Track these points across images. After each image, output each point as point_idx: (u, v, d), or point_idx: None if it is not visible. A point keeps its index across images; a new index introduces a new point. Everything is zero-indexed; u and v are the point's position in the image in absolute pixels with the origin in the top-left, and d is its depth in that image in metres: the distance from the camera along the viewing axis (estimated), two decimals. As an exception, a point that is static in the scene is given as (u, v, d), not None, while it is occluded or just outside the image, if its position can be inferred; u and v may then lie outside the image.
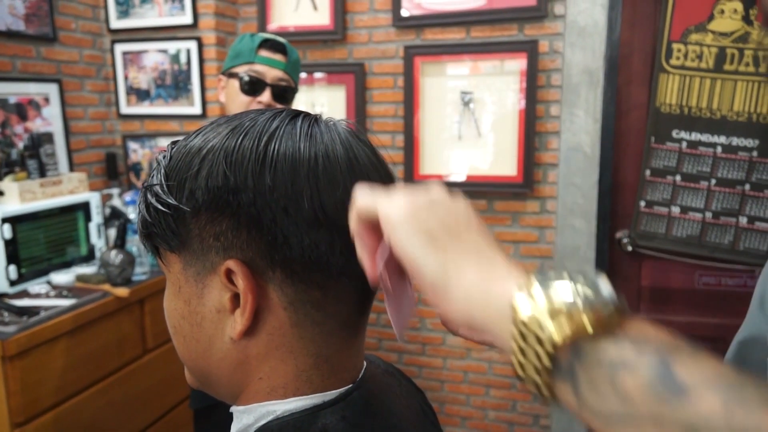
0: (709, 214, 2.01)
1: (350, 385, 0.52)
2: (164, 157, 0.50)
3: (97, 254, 2.00)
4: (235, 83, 1.45)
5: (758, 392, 0.28)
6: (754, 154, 1.94)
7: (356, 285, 0.50)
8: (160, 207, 0.47)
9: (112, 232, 2.06)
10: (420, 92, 2.16)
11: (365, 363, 0.57)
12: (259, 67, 1.44)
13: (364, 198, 0.43)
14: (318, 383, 0.50)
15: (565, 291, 0.33)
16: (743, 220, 1.99)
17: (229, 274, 0.46)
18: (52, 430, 1.57)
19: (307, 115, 0.51)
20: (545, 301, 0.33)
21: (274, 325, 0.48)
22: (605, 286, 0.34)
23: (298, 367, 0.49)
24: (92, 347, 1.70)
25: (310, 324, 0.49)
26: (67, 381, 1.62)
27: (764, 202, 1.96)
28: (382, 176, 0.50)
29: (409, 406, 0.63)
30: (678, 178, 2.02)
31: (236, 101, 1.45)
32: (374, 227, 0.42)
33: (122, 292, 1.74)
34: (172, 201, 0.47)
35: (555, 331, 0.32)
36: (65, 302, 1.64)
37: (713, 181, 2.00)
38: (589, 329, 0.32)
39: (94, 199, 2.01)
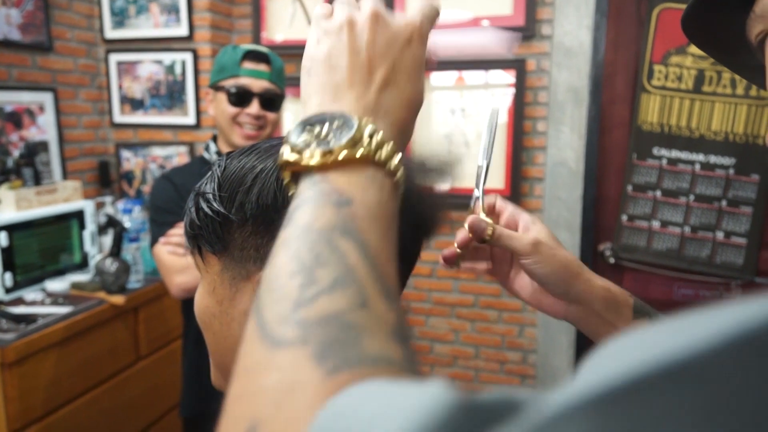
0: (687, 229, 2.10)
1: None
2: (218, 166, 0.54)
3: (91, 262, 2.02)
4: (222, 96, 1.47)
5: (295, 249, 0.33)
6: (731, 171, 2.03)
7: None
8: (210, 213, 0.52)
9: (106, 240, 2.07)
10: (411, 106, 2.22)
11: None
12: (244, 80, 1.46)
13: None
14: None
15: (321, 130, 0.39)
16: (720, 235, 2.07)
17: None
18: (48, 437, 1.59)
19: None
20: (294, 138, 0.39)
21: None
22: (346, 135, 0.38)
23: None
24: (87, 354, 1.71)
25: None
26: (63, 388, 1.63)
27: (740, 218, 2.05)
28: (428, 207, 0.55)
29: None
30: (658, 193, 2.11)
31: (225, 113, 1.47)
32: None
33: (118, 299, 1.76)
34: (222, 210, 0.51)
35: (287, 159, 0.39)
36: (62, 310, 1.66)
37: (692, 197, 2.08)
38: (305, 164, 0.38)
39: (88, 207, 2.03)
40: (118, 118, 2.41)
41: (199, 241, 0.54)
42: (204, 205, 0.53)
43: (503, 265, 0.68)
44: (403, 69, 0.43)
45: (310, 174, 0.38)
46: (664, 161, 2.09)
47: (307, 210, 0.35)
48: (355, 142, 0.37)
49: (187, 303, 1.49)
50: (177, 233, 1.40)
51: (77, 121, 2.31)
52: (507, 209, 0.66)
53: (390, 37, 0.43)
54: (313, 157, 0.37)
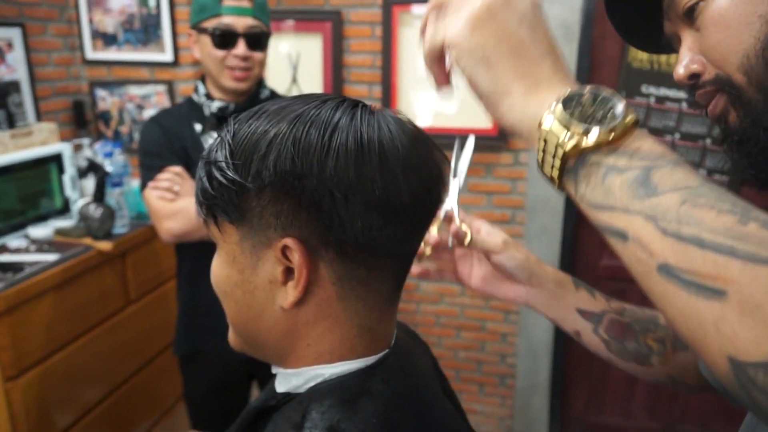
0: (672, 167, 2.12)
1: (387, 351, 0.58)
2: (227, 132, 0.52)
3: (73, 207, 1.98)
4: (206, 39, 1.40)
5: (709, 195, 0.37)
6: (717, 110, 2.04)
7: (398, 265, 0.55)
8: (225, 182, 0.50)
9: (87, 184, 2.03)
10: (398, 42, 2.15)
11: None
12: (227, 19, 1.38)
13: (429, 34, 0.50)
14: (360, 350, 0.55)
15: (583, 111, 0.43)
16: (702, 173, 2.10)
17: (284, 250, 0.50)
18: (43, 383, 1.60)
19: (364, 106, 0.54)
20: (565, 119, 0.42)
21: (323, 298, 0.53)
22: (620, 108, 0.42)
23: (343, 336, 0.54)
24: (77, 301, 1.71)
25: (354, 298, 0.53)
26: (55, 334, 1.64)
27: (723, 156, 2.07)
28: (429, 164, 0.54)
29: (426, 363, 0.69)
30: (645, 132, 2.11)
31: (211, 56, 1.41)
32: (443, 56, 0.50)
33: (105, 245, 1.74)
34: (238, 178, 0.49)
35: (567, 143, 0.42)
36: (49, 257, 1.63)
37: (677, 135, 2.09)
38: (593, 144, 0.41)
39: (66, 150, 1.96)
40: (91, 54, 2.30)
41: (214, 211, 0.53)
42: (217, 174, 0.50)
43: (465, 266, 0.83)
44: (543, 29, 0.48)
45: (609, 148, 0.41)
46: (652, 99, 2.08)
47: (667, 173, 0.39)
48: (627, 113, 0.42)
49: (180, 246, 1.48)
50: (165, 177, 1.38)
51: (47, 58, 2.19)
52: (457, 218, 0.79)
53: (525, 10, 0.47)
54: (608, 134, 0.41)
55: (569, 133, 0.42)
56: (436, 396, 0.62)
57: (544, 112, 0.43)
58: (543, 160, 0.44)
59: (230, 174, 0.50)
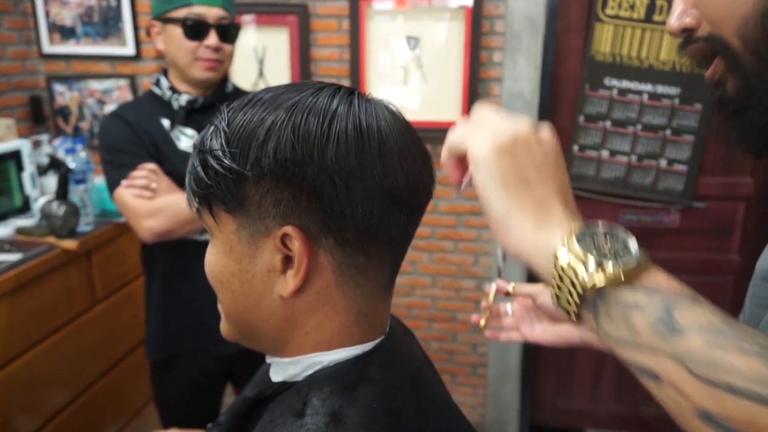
0: (634, 157, 2.18)
1: (383, 337, 0.58)
2: (222, 121, 0.51)
3: (33, 205, 1.91)
4: (175, 29, 1.36)
5: (733, 337, 0.38)
6: (676, 101, 2.11)
7: (394, 251, 0.55)
8: (222, 171, 0.49)
9: (47, 182, 1.96)
10: (366, 36, 2.15)
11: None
12: (198, 9, 1.35)
13: (456, 134, 0.51)
14: (358, 337, 0.55)
15: (598, 247, 0.43)
16: (663, 163, 2.17)
17: (284, 238, 0.50)
18: (7, 387, 1.54)
19: (360, 93, 0.54)
20: (580, 254, 0.43)
21: (322, 285, 0.52)
22: (633, 245, 0.44)
23: (342, 323, 0.54)
24: (42, 301, 1.65)
25: (353, 286, 0.53)
26: (19, 336, 1.58)
27: (682, 146, 2.15)
28: (420, 151, 0.54)
29: (418, 349, 0.70)
30: (608, 123, 2.17)
31: (181, 48, 1.37)
32: (461, 158, 0.51)
33: (70, 244, 1.69)
34: (236, 166, 0.49)
35: (586, 279, 0.42)
36: (11, 257, 1.57)
37: (639, 127, 2.16)
38: (613, 279, 0.42)
39: (25, 146, 1.89)
40: (48, 48, 2.22)
41: (210, 200, 0.52)
42: (213, 162, 0.50)
43: (524, 323, 0.85)
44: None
45: (627, 284, 0.42)
46: (615, 91, 2.14)
47: (688, 310, 0.40)
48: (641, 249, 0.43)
49: (150, 246, 1.44)
50: (140, 175, 1.34)
51: (2, 52, 2.11)
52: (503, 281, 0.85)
53: (550, 148, 0.49)
54: (625, 270, 0.42)
55: (586, 269, 0.42)
56: (430, 381, 0.63)
57: (556, 245, 0.44)
58: (559, 294, 0.45)
59: (227, 162, 0.49)
